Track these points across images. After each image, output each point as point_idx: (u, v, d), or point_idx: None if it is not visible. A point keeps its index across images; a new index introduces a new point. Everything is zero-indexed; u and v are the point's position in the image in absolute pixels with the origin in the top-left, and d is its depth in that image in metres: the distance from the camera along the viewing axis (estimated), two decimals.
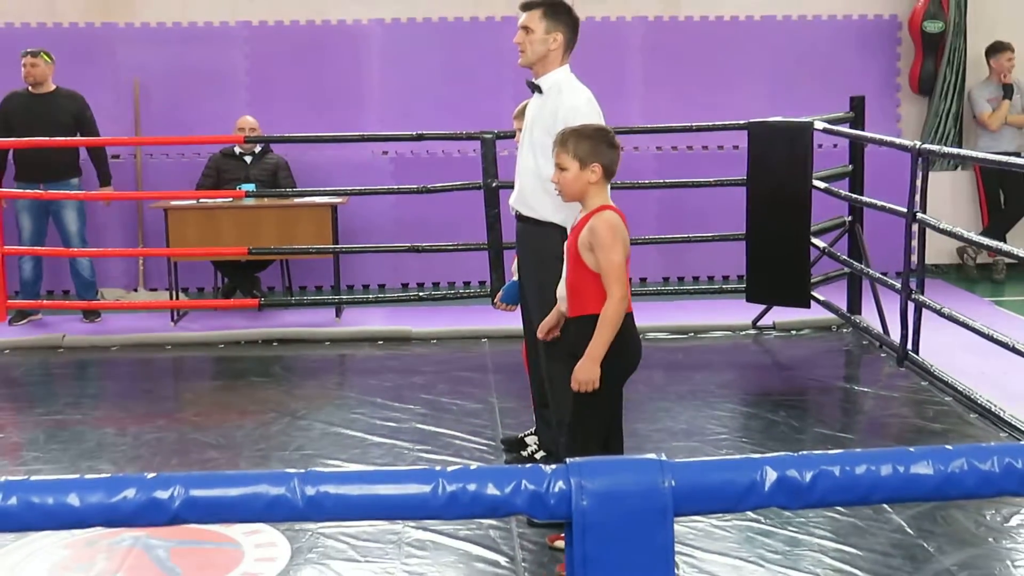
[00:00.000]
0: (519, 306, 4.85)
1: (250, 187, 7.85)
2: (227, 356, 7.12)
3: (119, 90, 8.87)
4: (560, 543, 4.08)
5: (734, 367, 6.77)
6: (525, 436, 5.11)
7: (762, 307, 7.33)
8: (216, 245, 7.77)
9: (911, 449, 1.79)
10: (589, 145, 3.76)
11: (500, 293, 5.10)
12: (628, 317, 3.82)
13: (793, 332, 7.36)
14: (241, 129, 8.17)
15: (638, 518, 1.71)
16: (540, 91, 4.40)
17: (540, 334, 4.20)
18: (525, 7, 4.39)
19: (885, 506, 4.30)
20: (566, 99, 4.23)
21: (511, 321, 5.48)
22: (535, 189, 4.37)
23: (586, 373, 3.71)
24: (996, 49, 8.89)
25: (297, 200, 7.93)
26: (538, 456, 4.92)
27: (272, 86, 8.95)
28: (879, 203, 6.55)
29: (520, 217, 4.52)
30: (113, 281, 8.80)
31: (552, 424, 4.50)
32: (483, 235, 7.25)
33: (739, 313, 7.42)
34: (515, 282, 4.85)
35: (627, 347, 3.81)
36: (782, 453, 1.79)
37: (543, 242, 4.32)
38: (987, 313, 7.51)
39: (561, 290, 4.08)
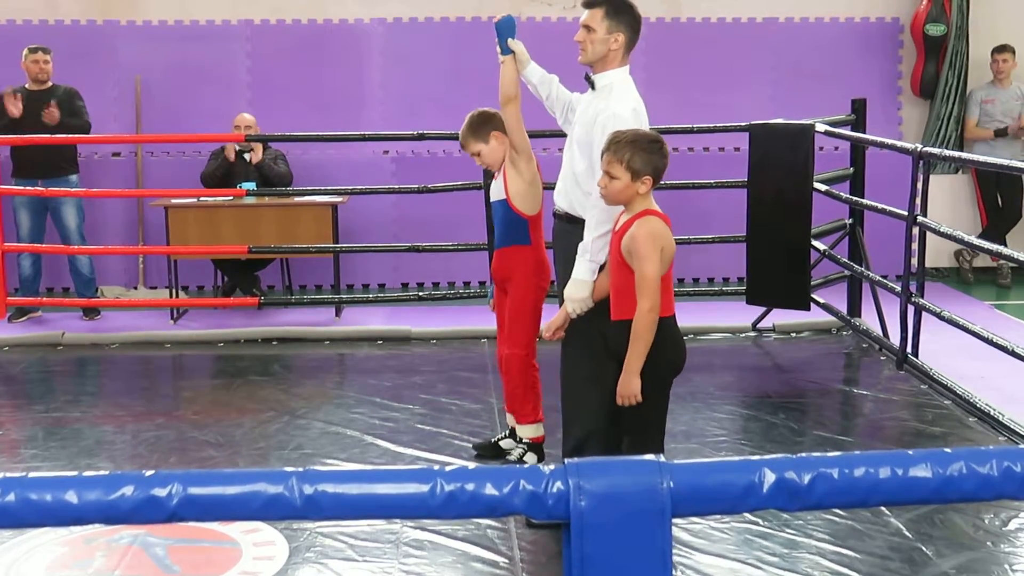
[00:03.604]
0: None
1: (250, 185, 7.85)
2: (226, 355, 7.12)
3: (120, 88, 8.87)
4: None
5: (734, 369, 6.76)
6: (499, 440, 5.11)
7: (762, 309, 7.33)
8: (216, 243, 7.77)
9: (910, 452, 1.78)
10: (644, 158, 3.72)
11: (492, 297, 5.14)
12: (666, 321, 3.78)
13: (793, 334, 7.36)
14: (238, 127, 8.15)
15: (636, 519, 1.71)
16: (594, 88, 4.33)
17: (546, 334, 4.19)
18: (588, 5, 4.28)
19: (883, 509, 4.30)
20: (612, 104, 4.13)
21: None
22: (573, 186, 4.30)
23: (626, 387, 3.72)
24: (996, 50, 8.90)
25: (297, 199, 7.93)
26: (526, 458, 4.91)
27: (273, 85, 8.95)
28: (880, 206, 6.55)
29: (558, 214, 4.42)
30: (113, 279, 8.81)
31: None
32: (483, 235, 7.25)
33: (739, 315, 7.42)
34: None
35: (665, 352, 3.77)
36: (781, 455, 1.79)
37: (575, 240, 4.22)
38: (986, 317, 7.52)
39: (568, 289, 4.07)
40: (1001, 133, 8.85)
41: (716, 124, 7.60)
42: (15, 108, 7.67)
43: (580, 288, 4.06)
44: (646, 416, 3.81)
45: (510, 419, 5.05)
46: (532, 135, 4.83)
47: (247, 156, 8.17)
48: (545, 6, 9.08)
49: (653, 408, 3.80)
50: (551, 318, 4.22)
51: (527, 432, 4.93)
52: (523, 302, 4.80)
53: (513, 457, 4.94)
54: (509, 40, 4.53)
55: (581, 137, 4.24)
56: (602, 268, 4.05)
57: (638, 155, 3.72)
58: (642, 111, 4.21)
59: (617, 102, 4.14)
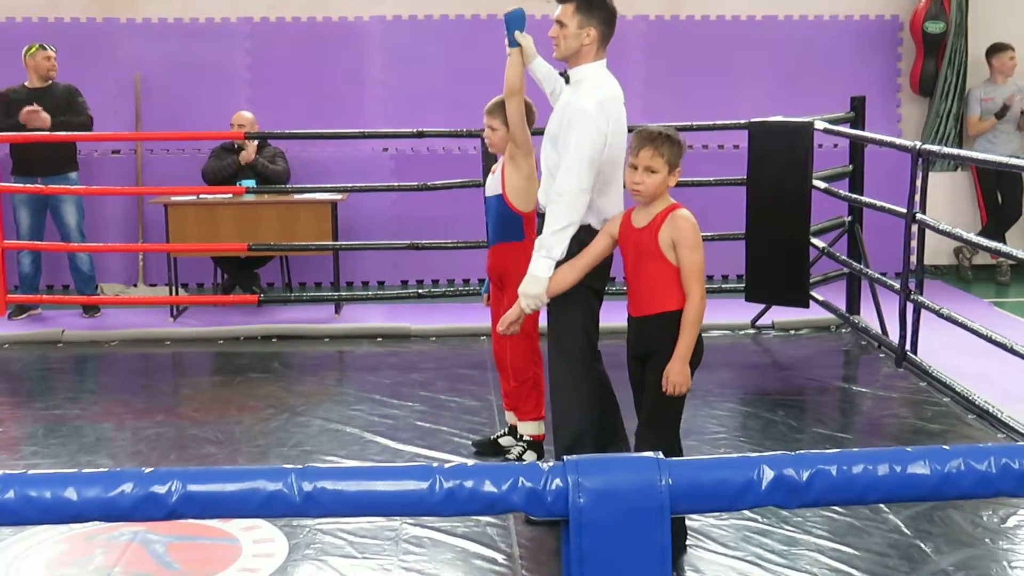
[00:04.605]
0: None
1: (250, 183, 7.85)
2: (226, 352, 7.13)
3: (120, 85, 8.87)
4: None
5: (733, 366, 6.76)
6: (498, 437, 5.11)
7: (761, 306, 7.33)
8: (216, 241, 7.77)
9: (908, 449, 1.79)
10: (680, 152, 3.82)
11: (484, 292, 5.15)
12: None
13: (792, 332, 7.36)
14: (236, 125, 8.13)
15: (635, 516, 1.71)
16: (568, 83, 4.34)
17: (500, 328, 4.19)
18: (560, 0, 4.29)
19: (882, 506, 4.31)
20: (579, 98, 4.12)
21: None
22: (550, 182, 4.25)
23: (680, 375, 3.78)
24: (996, 49, 8.90)
25: (297, 196, 7.93)
26: (526, 456, 4.92)
27: (273, 82, 8.95)
28: (879, 203, 6.55)
29: (541, 213, 4.40)
30: (113, 276, 8.81)
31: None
32: (483, 233, 7.22)
33: (738, 312, 7.42)
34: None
35: (700, 343, 3.87)
36: (779, 452, 1.79)
37: None
38: (985, 314, 7.52)
39: (523, 285, 4.04)
40: (1001, 114, 8.84)
41: (715, 122, 7.60)
42: (40, 121, 7.63)
43: (535, 284, 4.02)
44: (675, 406, 3.87)
45: (509, 416, 5.06)
46: (536, 133, 4.82)
47: (242, 153, 8.14)
48: (544, 3, 9.09)
49: (680, 399, 3.86)
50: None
51: (528, 429, 4.93)
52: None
53: (512, 455, 4.94)
54: (517, 33, 4.52)
55: (553, 131, 4.25)
56: (558, 264, 4.04)
57: (675, 147, 3.81)
58: (612, 105, 4.15)
59: (584, 96, 4.12)
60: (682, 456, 3.73)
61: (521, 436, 4.96)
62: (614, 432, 4.39)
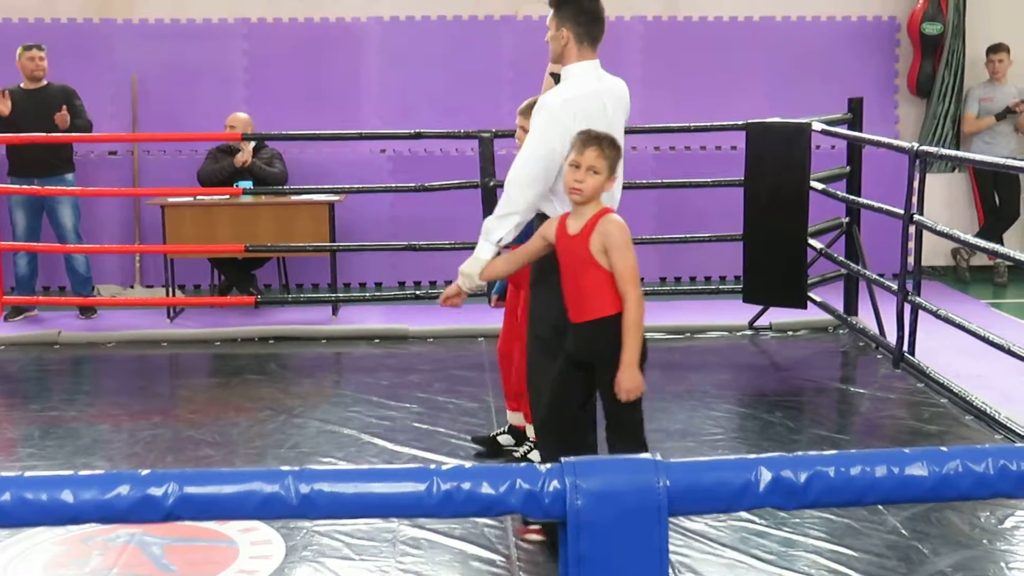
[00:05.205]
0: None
1: (247, 184, 7.84)
2: (223, 353, 7.12)
3: (117, 86, 8.87)
4: (532, 536, 4.10)
5: (730, 367, 6.77)
6: (498, 435, 5.11)
7: (759, 308, 7.33)
8: (213, 242, 7.77)
9: (906, 450, 1.79)
10: (618, 157, 3.83)
11: (494, 293, 5.11)
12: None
13: (790, 333, 7.36)
14: (229, 126, 8.12)
15: (633, 518, 1.71)
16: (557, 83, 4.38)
17: (440, 300, 4.24)
18: (548, 5, 4.35)
19: (880, 507, 4.30)
20: (546, 97, 4.17)
21: None
22: None
23: (632, 381, 3.75)
24: (991, 49, 8.91)
25: (294, 198, 7.92)
26: (532, 455, 4.91)
27: (270, 83, 8.94)
28: (876, 204, 6.55)
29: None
30: (109, 278, 8.80)
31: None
32: (479, 233, 7.24)
33: (736, 314, 7.42)
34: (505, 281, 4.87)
35: (643, 343, 3.86)
36: (777, 454, 1.79)
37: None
38: (983, 315, 7.52)
39: (464, 265, 4.09)
40: (1002, 116, 8.84)
41: (713, 123, 7.60)
42: (3, 107, 7.65)
43: (473, 265, 4.10)
44: (633, 411, 3.85)
45: (512, 416, 5.04)
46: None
47: (237, 156, 8.13)
48: (543, 5, 9.10)
49: (638, 404, 3.84)
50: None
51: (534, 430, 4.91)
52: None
53: (518, 454, 4.94)
54: None
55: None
56: (499, 253, 4.10)
57: (616, 153, 3.82)
58: (581, 102, 4.12)
59: (551, 95, 4.15)
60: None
61: (527, 437, 4.94)
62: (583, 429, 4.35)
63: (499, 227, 4.10)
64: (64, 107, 7.68)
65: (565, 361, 3.93)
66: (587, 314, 3.84)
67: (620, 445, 3.84)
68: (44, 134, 7.54)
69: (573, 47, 4.23)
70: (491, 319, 6.85)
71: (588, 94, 4.17)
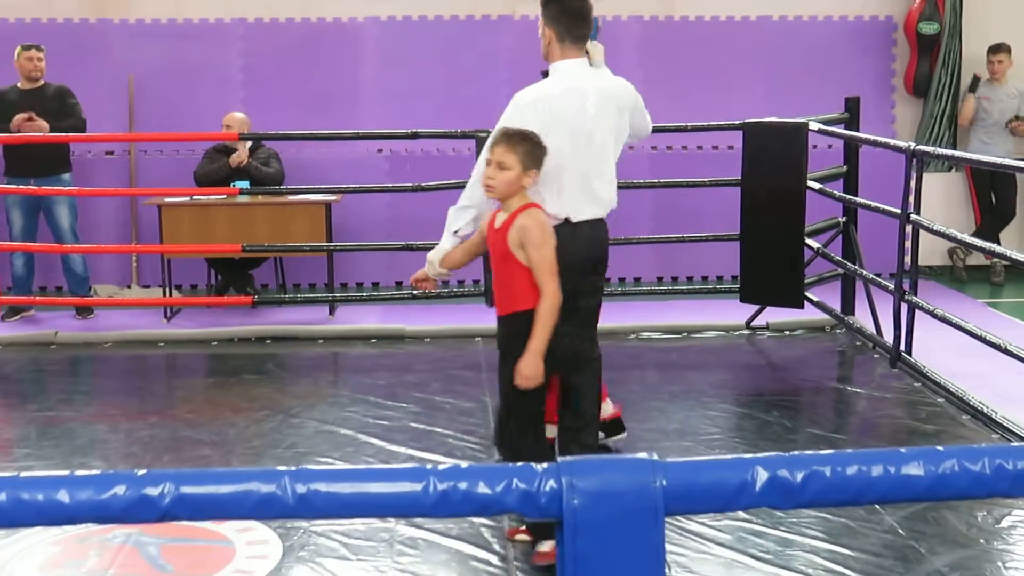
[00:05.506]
0: None
1: (244, 184, 7.84)
2: (220, 353, 7.12)
3: (113, 86, 8.86)
4: (521, 536, 4.11)
5: (727, 367, 6.77)
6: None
7: (756, 307, 7.33)
8: (210, 242, 7.76)
9: (903, 450, 1.79)
10: (538, 153, 3.89)
11: None
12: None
13: (786, 332, 7.37)
14: (225, 126, 8.11)
15: (629, 517, 1.71)
16: None
17: (411, 279, 4.43)
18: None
19: (877, 507, 4.31)
20: (519, 94, 4.26)
21: None
22: None
23: (531, 369, 3.81)
24: (991, 50, 8.92)
25: (291, 197, 7.92)
26: (609, 442, 4.98)
27: (267, 83, 8.94)
28: (873, 204, 6.56)
29: None
30: (106, 277, 8.80)
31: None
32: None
33: (733, 313, 7.43)
34: None
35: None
36: (774, 453, 1.79)
37: None
38: (979, 315, 7.53)
39: (431, 254, 4.27)
40: (1001, 118, 8.88)
41: (710, 122, 7.60)
42: (35, 129, 7.62)
43: (436, 253, 4.31)
44: (530, 399, 3.90)
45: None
46: None
47: (233, 156, 8.13)
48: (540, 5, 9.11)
49: (536, 392, 3.89)
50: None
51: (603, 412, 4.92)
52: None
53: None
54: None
55: None
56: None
57: (535, 149, 3.87)
58: (550, 102, 4.17)
59: (523, 92, 4.25)
60: (539, 448, 3.90)
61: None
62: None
63: (457, 218, 4.28)
64: (26, 105, 7.64)
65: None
66: (505, 308, 3.95)
67: (515, 431, 3.95)
68: (41, 134, 7.54)
69: (556, 45, 4.31)
70: (488, 319, 6.84)
71: (562, 92, 4.21)
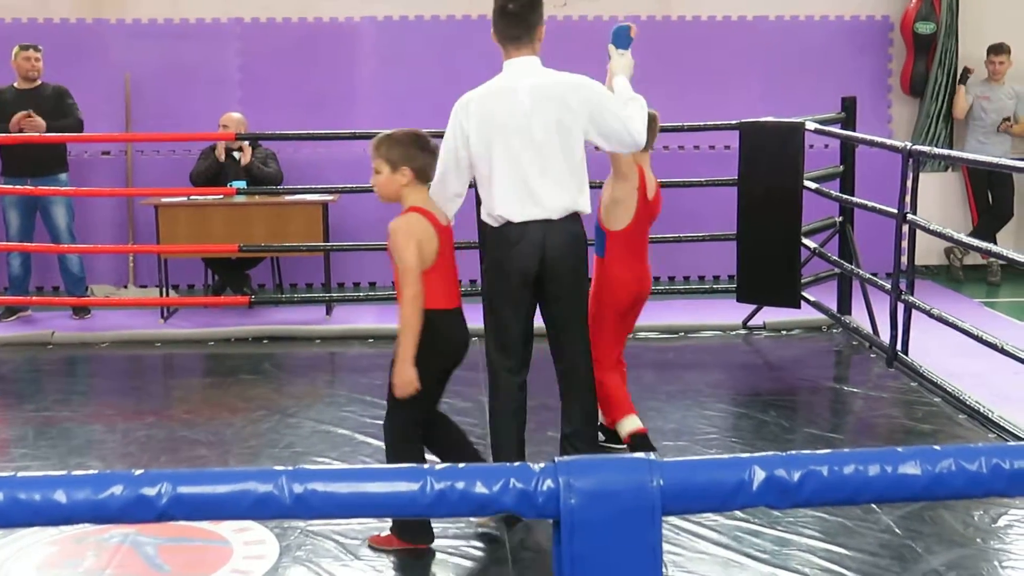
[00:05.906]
0: None
1: (241, 184, 7.84)
2: (217, 353, 7.11)
3: (110, 86, 8.85)
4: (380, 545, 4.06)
5: (724, 367, 6.77)
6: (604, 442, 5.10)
7: (752, 307, 7.34)
8: (207, 242, 7.76)
9: (899, 449, 1.79)
10: (400, 150, 3.90)
11: None
12: (448, 314, 3.93)
13: (783, 332, 7.37)
14: (225, 126, 8.11)
15: (626, 517, 1.71)
16: None
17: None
18: None
19: (874, 506, 4.31)
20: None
21: None
22: None
23: (399, 376, 3.81)
24: (992, 50, 8.93)
25: (288, 197, 7.91)
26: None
27: (264, 83, 8.93)
28: (870, 204, 6.56)
29: None
30: (103, 278, 8.79)
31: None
32: (474, 234, 7.23)
33: (729, 313, 7.43)
34: None
35: (438, 345, 3.88)
36: (771, 453, 1.79)
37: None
38: (976, 314, 7.53)
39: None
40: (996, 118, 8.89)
41: (707, 122, 7.60)
42: (34, 127, 7.60)
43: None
44: (406, 406, 3.89)
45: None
46: None
47: (236, 155, 8.14)
48: (550, 7, 9.10)
49: (412, 400, 3.86)
50: None
51: (625, 428, 4.89)
52: (593, 314, 4.66)
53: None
54: (611, 47, 4.76)
55: None
56: None
57: (394, 147, 3.90)
58: (480, 102, 4.29)
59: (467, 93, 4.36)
60: (413, 451, 3.90)
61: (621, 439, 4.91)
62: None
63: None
64: (24, 105, 7.63)
65: None
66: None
67: (390, 430, 3.98)
68: (38, 134, 7.53)
69: (501, 48, 4.35)
70: (483, 319, 6.84)
71: (493, 91, 4.27)
